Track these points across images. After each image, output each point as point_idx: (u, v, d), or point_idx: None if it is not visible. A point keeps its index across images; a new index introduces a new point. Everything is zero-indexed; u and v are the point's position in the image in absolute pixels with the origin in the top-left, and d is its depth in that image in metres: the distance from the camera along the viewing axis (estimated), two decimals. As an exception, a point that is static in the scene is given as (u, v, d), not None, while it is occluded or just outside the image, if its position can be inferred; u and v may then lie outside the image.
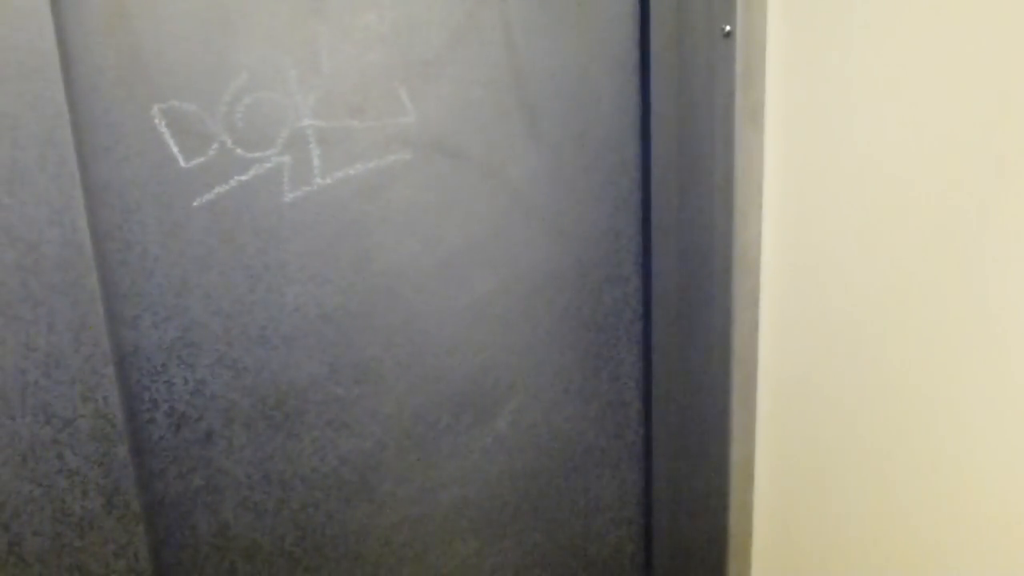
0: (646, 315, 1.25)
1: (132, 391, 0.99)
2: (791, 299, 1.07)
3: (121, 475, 0.96)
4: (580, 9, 1.12)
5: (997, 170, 0.79)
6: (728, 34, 1.00)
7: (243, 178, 0.99)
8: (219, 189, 0.98)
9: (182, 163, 0.96)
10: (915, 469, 0.94)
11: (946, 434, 0.90)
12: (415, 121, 1.06)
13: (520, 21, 1.09)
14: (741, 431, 1.13)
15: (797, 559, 1.14)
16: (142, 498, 1.01)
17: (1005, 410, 0.83)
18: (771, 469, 1.16)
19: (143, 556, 0.99)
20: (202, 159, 0.97)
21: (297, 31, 0.98)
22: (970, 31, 0.80)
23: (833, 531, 1.07)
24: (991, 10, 0.77)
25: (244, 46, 0.96)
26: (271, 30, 0.97)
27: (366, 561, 1.17)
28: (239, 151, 0.98)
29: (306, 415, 1.09)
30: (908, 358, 0.92)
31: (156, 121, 0.93)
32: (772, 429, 1.14)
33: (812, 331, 1.04)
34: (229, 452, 1.06)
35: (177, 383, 1.02)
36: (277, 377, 1.06)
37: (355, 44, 1.01)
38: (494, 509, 1.25)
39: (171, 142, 0.94)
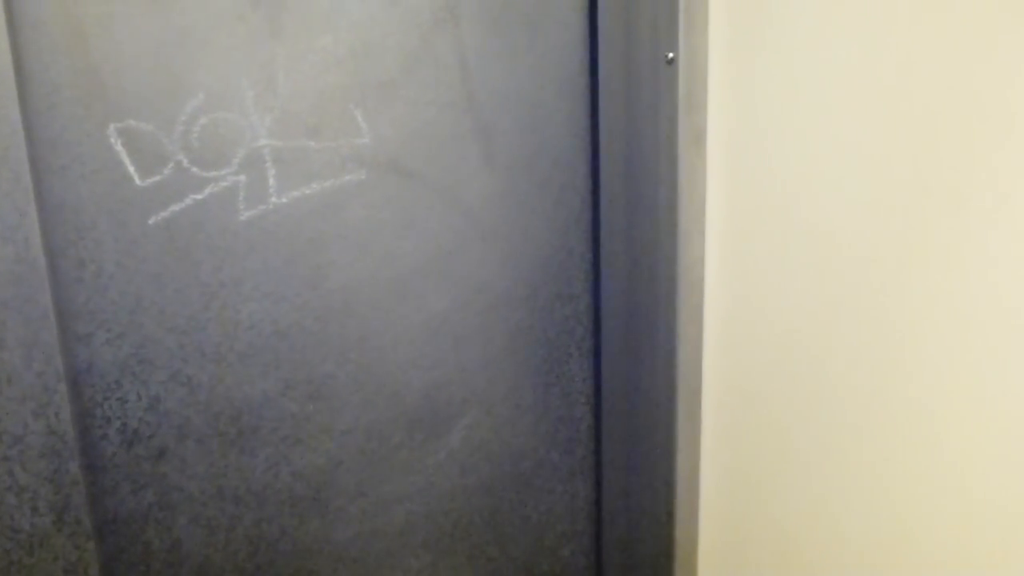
0: (596, 332, 1.28)
1: (85, 408, 0.99)
2: (733, 317, 1.11)
3: (72, 492, 0.96)
4: (531, 35, 1.16)
5: (925, 194, 0.84)
6: (671, 61, 1.04)
7: (199, 197, 1.00)
8: (174, 207, 1.00)
9: (138, 181, 0.97)
10: (855, 480, 0.98)
11: (885, 446, 0.94)
12: (370, 142, 1.09)
13: (473, 46, 1.12)
14: (686, 444, 1.17)
15: (741, 569, 1.17)
16: (93, 515, 1.00)
17: (943, 422, 0.87)
18: (716, 481, 1.19)
19: (94, 573, 0.98)
20: (158, 178, 0.98)
21: (254, 53, 1.00)
22: (901, 64, 0.85)
23: (775, 542, 1.11)
24: (920, 47, 0.82)
25: (201, 67, 0.98)
26: (228, 52, 0.99)
27: (319, 577, 1.18)
28: (195, 170, 1.00)
29: (260, 431, 1.10)
30: (846, 373, 0.97)
31: (112, 140, 0.94)
32: (716, 442, 1.17)
33: (753, 347, 1.08)
34: (182, 468, 1.06)
35: (130, 400, 1.02)
36: (231, 393, 1.07)
37: (311, 66, 1.03)
38: (447, 524, 1.26)
39: (127, 161, 0.96)
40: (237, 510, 1.11)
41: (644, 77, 1.10)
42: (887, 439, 0.93)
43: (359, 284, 1.12)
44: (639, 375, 1.21)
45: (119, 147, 0.95)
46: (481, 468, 1.27)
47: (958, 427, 0.85)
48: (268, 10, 1.00)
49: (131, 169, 0.96)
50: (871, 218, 0.90)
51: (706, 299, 1.14)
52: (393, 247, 1.13)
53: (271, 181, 1.04)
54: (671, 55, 1.04)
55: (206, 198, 1.01)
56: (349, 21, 1.05)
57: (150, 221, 0.98)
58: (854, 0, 0.87)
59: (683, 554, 1.21)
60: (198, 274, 1.02)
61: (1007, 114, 0.75)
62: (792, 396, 1.04)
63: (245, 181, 1.02)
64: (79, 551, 0.97)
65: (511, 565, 1.33)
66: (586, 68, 1.20)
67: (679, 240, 1.09)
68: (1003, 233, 0.77)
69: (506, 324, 1.23)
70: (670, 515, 1.19)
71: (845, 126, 0.91)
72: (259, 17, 1.00)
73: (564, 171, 1.21)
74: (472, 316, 1.20)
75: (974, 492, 0.84)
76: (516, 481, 1.30)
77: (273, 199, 1.04)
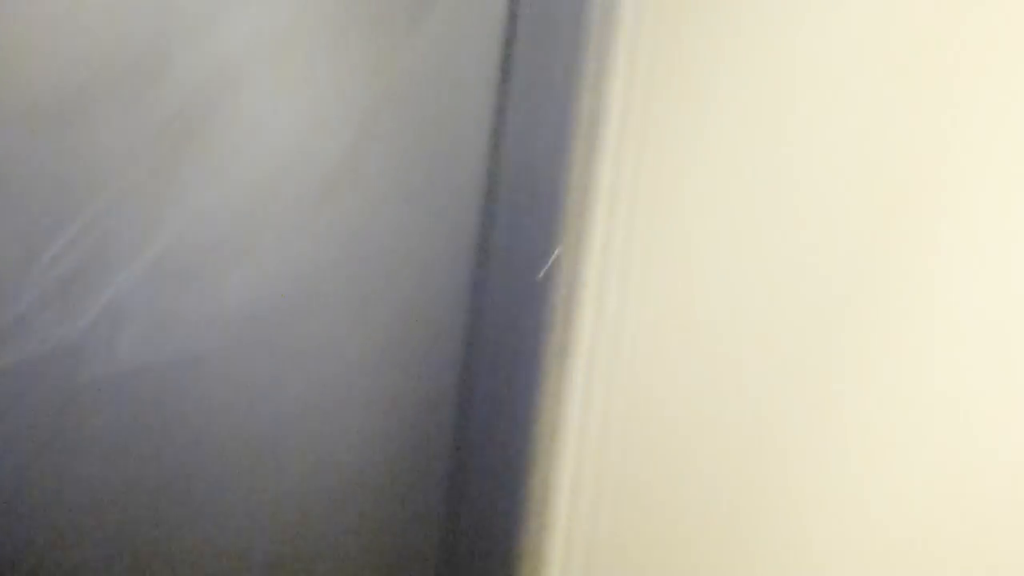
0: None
1: None
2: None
3: None
4: (428, 209, 1.16)
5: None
6: (547, 273, 1.07)
7: (44, 347, 0.96)
8: (14, 355, 0.94)
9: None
10: None
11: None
12: (236, 304, 1.05)
13: (369, 212, 1.12)
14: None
15: None
16: None
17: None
18: None
19: None
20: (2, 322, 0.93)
21: (144, 195, 0.97)
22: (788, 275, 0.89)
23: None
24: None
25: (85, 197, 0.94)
26: (119, 189, 0.95)
27: None
28: (46, 317, 0.95)
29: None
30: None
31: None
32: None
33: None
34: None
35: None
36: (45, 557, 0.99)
37: (196, 217, 1.01)
38: None
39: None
40: None
41: (517, 292, 1.12)
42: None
43: (208, 451, 1.07)
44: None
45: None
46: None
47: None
48: (163, 158, 0.98)
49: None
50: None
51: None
52: (248, 416, 1.09)
53: (127, 338, 1.00)
54: (548, 264, 1.08)
55: (51, 349, 0.96)
56: (242, 180, 1.04)
57: (-15, 367, 0.93)
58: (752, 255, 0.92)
59: None
60: (31, 431, 0.96)
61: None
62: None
63: (97, 335, 0.98)
64: None
65: None
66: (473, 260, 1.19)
67: (533, 456, 1.10)
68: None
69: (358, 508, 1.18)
70: None
71: (728, 354, 0.94)
72: (153, 161, 0.98)
73: (434, 364, 1.19)
74: (324, 501, 1.15)
75: None
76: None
77: (125, 358, 1.00)
